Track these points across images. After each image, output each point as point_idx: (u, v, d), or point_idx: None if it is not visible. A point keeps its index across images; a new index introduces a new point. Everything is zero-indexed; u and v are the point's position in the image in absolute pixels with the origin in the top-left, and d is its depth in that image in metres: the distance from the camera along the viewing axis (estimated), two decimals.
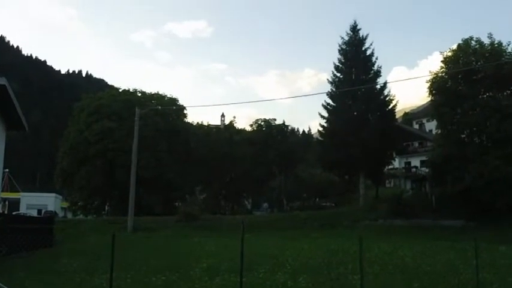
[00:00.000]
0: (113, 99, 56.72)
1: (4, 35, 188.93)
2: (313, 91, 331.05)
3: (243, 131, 74.26)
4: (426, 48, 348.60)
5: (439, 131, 45.65)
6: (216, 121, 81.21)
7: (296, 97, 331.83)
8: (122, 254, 13.19)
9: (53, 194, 71.14)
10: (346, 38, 49.44)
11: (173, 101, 61.35)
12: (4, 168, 39.24)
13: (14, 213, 49.98)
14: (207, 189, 71.61)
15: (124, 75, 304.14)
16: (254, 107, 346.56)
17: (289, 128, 76.61)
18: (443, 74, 42.85)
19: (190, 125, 65.71)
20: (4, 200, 52.07)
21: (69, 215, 64.75)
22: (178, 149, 56.11)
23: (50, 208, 63.98)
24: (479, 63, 40.37)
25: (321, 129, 50.92)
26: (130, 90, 61.55)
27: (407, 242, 25.23)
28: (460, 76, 41.39)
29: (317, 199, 73.41)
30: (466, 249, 17.42)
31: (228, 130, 71.38)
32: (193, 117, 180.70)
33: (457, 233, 32.23)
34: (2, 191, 41.35)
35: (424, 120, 73.52)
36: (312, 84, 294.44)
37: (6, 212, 48.86)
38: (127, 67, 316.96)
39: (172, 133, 55.95)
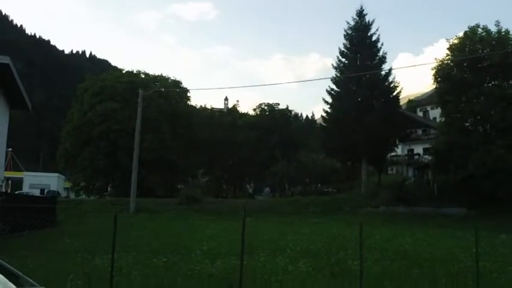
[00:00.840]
0: (116, 81, 56.56)
1: (8, 13, 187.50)
2: (318, 76, 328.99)
3: (246, 115, 74.08)
4: (432, 35, 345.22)
5: (443, 119, 45.51)
6: (219, 105, 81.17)
7: (300, 82, 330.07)
8: (123, 234, 13.28)
9: (56, 174, 71.59)
10: (352, 23, 49.06)
11: (177, 83, 61.20)
12: (7, 147, 39.48)
13: (16, 192, 50.39)
14: (209, 172, 71.81)
15: (128, 56, 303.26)
16: (258, 91, 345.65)
17: (293, 112, 76.47)
18: (449, 62, 42.55)
19: (193, 107, 65.64)
20: (7, 179, 52.30)
21: (72, 195, 65.20)
22: (181, 131, 56.11)
23: (53, 188, 64.59)
24: (485, 51, 40.05)
25: (324, 114, 50.83)
26: (134, 72, 61.44)
27: (409, 229, 25.24)
28: (465, 64, 41.07)
29: (319, 185, 73.57)
30: (467, 238, 17.46)
31: (231, 114, 71.22)
32: (196, 100, 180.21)
33: (458, 221, 32.25)
34: (5, 170, 41.45)
35: (428, 108, 73.13)
36: (317, 69, 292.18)
37: (9, 191, 49.15)
38: (131, 48, 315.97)
39: (175, 115, 55.90)
